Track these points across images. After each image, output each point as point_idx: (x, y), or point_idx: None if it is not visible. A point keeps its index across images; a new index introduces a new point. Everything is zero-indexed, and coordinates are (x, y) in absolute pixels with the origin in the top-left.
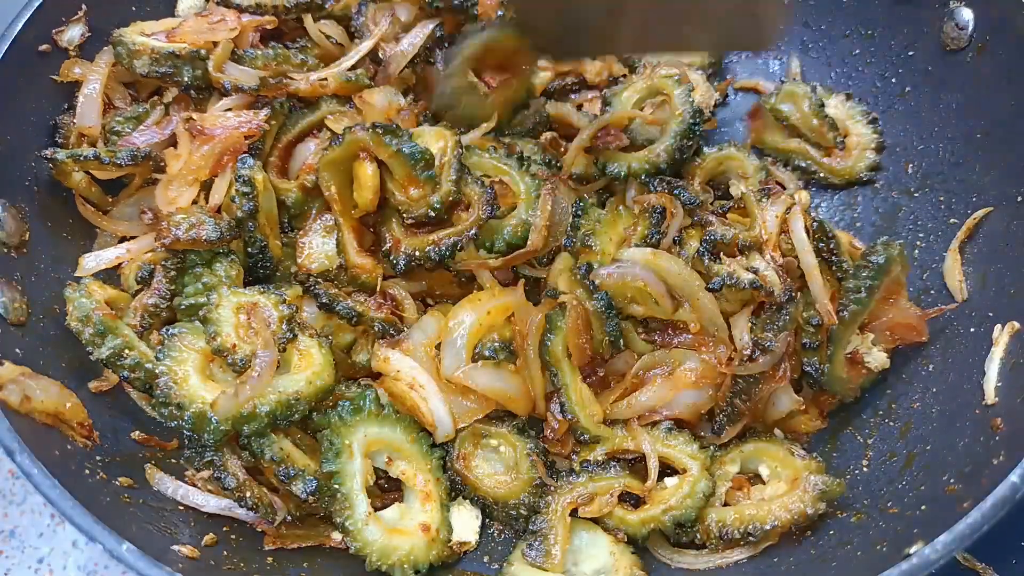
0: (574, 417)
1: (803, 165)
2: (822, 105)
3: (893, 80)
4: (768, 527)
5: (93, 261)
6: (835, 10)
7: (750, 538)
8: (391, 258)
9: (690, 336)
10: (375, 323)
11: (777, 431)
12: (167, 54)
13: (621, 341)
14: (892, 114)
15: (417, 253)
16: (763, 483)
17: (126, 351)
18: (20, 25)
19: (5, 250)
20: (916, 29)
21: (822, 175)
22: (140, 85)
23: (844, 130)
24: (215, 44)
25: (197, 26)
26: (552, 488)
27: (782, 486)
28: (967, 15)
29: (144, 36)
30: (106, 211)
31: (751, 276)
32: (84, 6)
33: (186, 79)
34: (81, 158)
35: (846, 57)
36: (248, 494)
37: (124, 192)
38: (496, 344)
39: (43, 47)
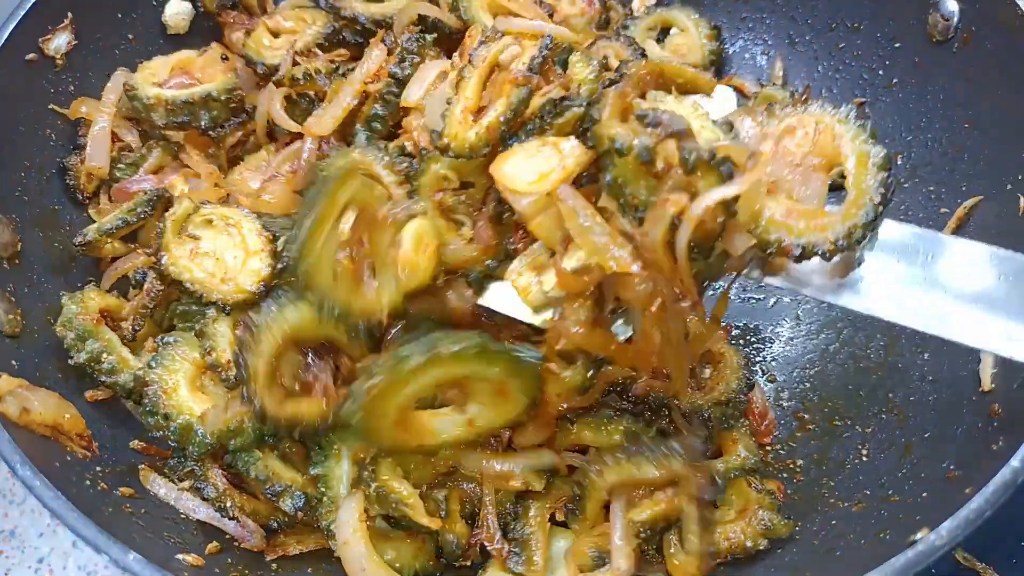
0: None
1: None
2: None
3: (880, 72)
4: None
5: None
6: (820, 3)
7: None
8: None
9: None
10: None
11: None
12: (182, 103)
13: None
14: (880, 106)
15: None
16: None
17: (104, 355)
18: (6, 34)
19: None
20: (902, 21)
21: None
22: (143, 119)
23: None
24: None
25: (208, 64)
26: (531, 497)
27: (731, 513)
28: (952, 6)
29: (157, 87)
30: None
31: None
32: (70, 14)
33: (203, 123)
34: (112, 230)
35: (832, 50)
36: (228, 504)
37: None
38: None
39: (30, 56)
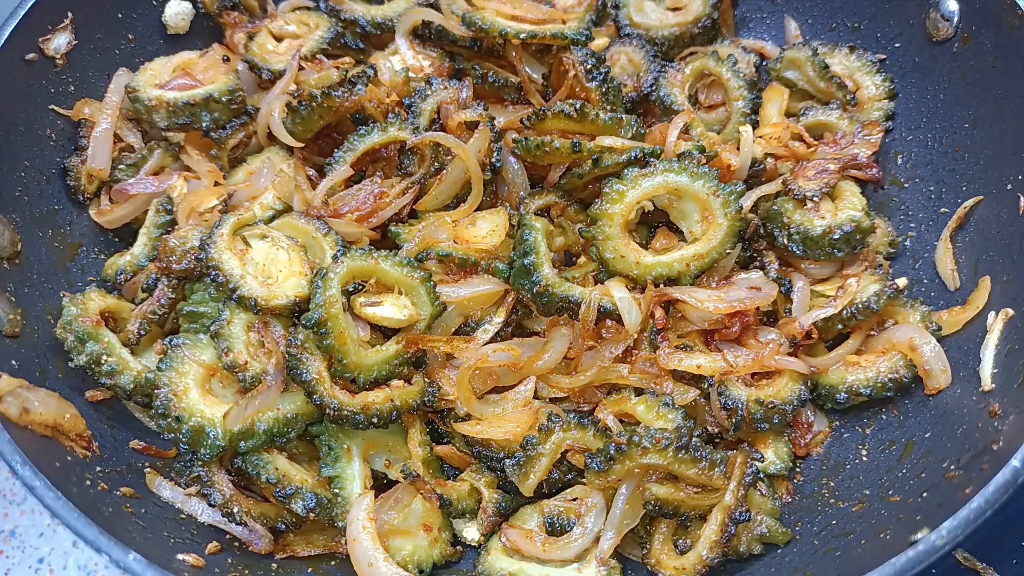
0: None
1: None
2: (826, 66)
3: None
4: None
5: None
6: (821, 3)
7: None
8: None
9: None
10: None
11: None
12: (183, 105)
13: None
14: None
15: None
16: None
17: (104, 357)
18: (6, 34)
19: None
20: (902, 21)
21: None
22: (145, 120)
23: (855, 84)
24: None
25: (209, 65)
26: (561, 421)
27: None
28: (952, 6)
29: (158, 88)
30: None
31: None
32: (70, 14)
33: (205, 124)
34: (146, 261)
35: None
36: (235, 509)
37: None
38: None
39: (30, 56)
